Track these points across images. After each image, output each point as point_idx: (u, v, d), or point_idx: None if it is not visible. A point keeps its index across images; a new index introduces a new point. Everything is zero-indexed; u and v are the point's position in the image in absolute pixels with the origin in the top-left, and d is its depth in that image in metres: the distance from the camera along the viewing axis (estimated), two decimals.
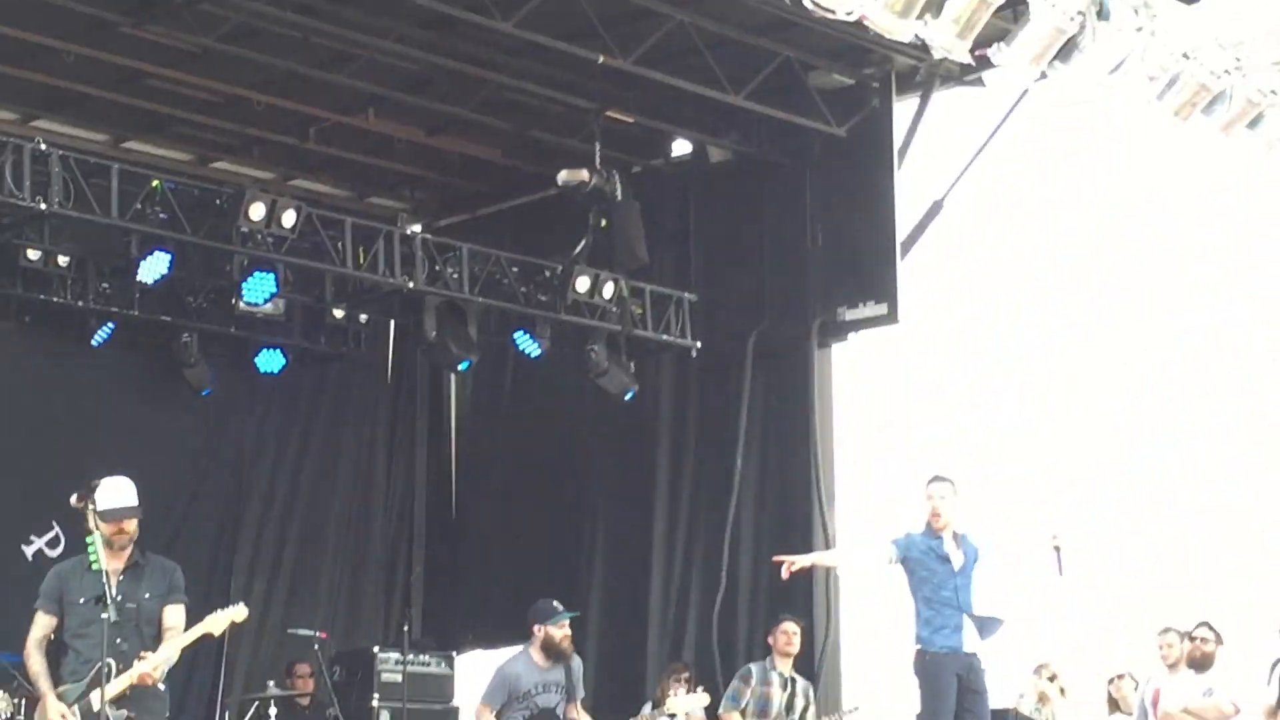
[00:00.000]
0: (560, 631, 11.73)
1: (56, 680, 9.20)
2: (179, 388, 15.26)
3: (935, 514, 11.18)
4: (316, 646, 12.89)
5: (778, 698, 12.59)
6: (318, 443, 16.63)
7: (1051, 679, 13.95)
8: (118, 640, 9.25)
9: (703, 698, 12.83)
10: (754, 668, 12.97)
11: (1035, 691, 14.02)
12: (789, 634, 12.94)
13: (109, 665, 9.21)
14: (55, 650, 9.25)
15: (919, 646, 11.32)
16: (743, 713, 12.72)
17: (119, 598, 9.28)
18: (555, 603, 11.90)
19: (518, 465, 17.04)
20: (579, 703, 11.79)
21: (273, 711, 11.96)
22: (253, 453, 16.29)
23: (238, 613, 9.85)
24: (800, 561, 11.31)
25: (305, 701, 13.69)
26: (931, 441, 14.38)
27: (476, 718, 11.80)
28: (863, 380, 15.45)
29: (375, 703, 12.54)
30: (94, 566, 9.18)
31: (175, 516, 15.54)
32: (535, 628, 11.57)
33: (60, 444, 14.17)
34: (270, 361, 15.71)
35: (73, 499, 9.59)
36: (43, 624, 9.28)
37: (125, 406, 15.21)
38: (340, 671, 12.84)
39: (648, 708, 13.48)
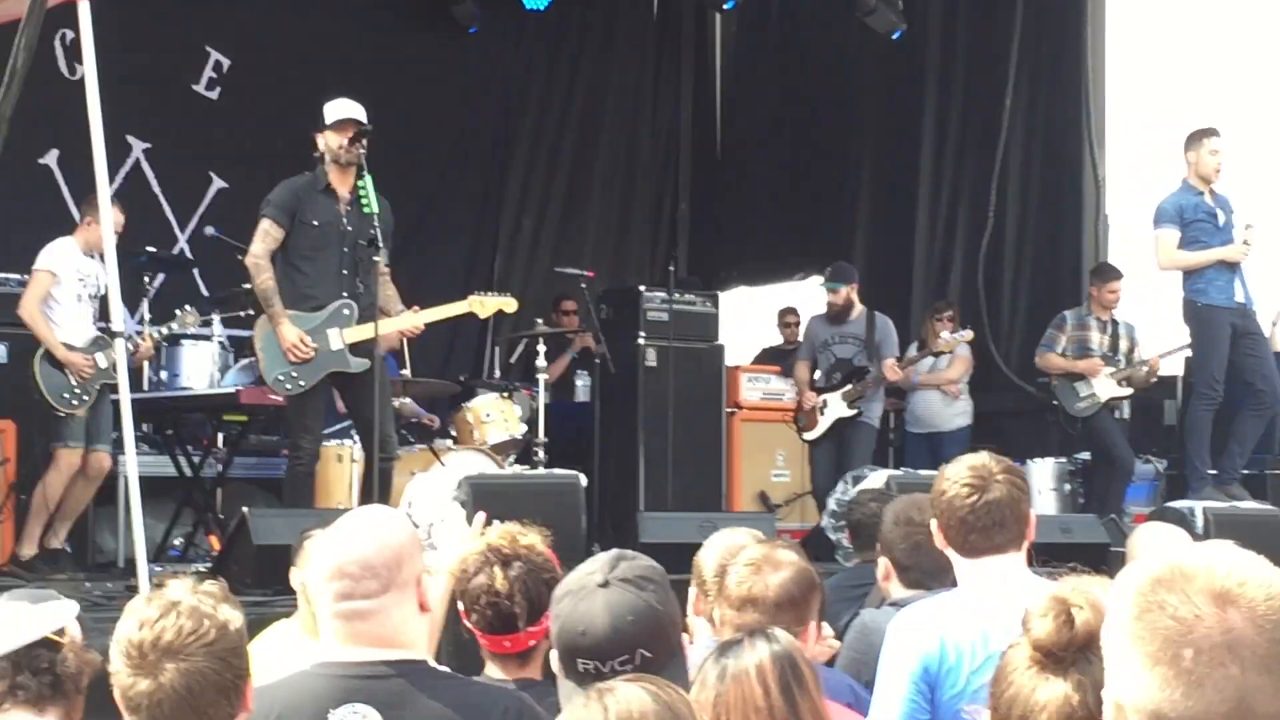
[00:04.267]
0: (830, 296, 12.32)
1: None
2: (447, 24, 15.32)
3: (1217, 171, 11.03)
4: (584, 285, 13.05)
5: (1096, 340, 12.38)
6: (583, 82, 16.64)
7: None
8: (355, 277, 9.35)
9: (967, 334, 12.86)
10: (1068, 314, 12.68)
11: None
12: (1115, 291, 12.55)
13: (352, 308, 9.36)
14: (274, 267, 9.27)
15: (1190, 298, 11.22)
16: (1061, 357, 12.59)
17: (350, 230, 9.35)
18: (833, 266, 12.78)
19: (783, 105, 16.92)
20: (894, 360, 12.21)
21: (541, 348, 12.17)
22: (520, 90, 16.36)
23: (507, 303, 9.98)
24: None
25: (572, 338, 13.94)
26: (1204, 89, 13.90)
27: (795, 373, 12.81)
28: (1139, 20, 14.97)
29: (641, 340, 12.68)
30: (365, 209, 9.24)
31: (443, 154, 15.74)
32: None
33: (328, 82, 14.28)
34: None
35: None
36: (275, 236, 9.20)
37: (393, 43, 15.28)
38: (606, 310, 12.99)
39: (914, 348, 13.52)
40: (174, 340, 11.26)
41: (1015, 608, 3.04)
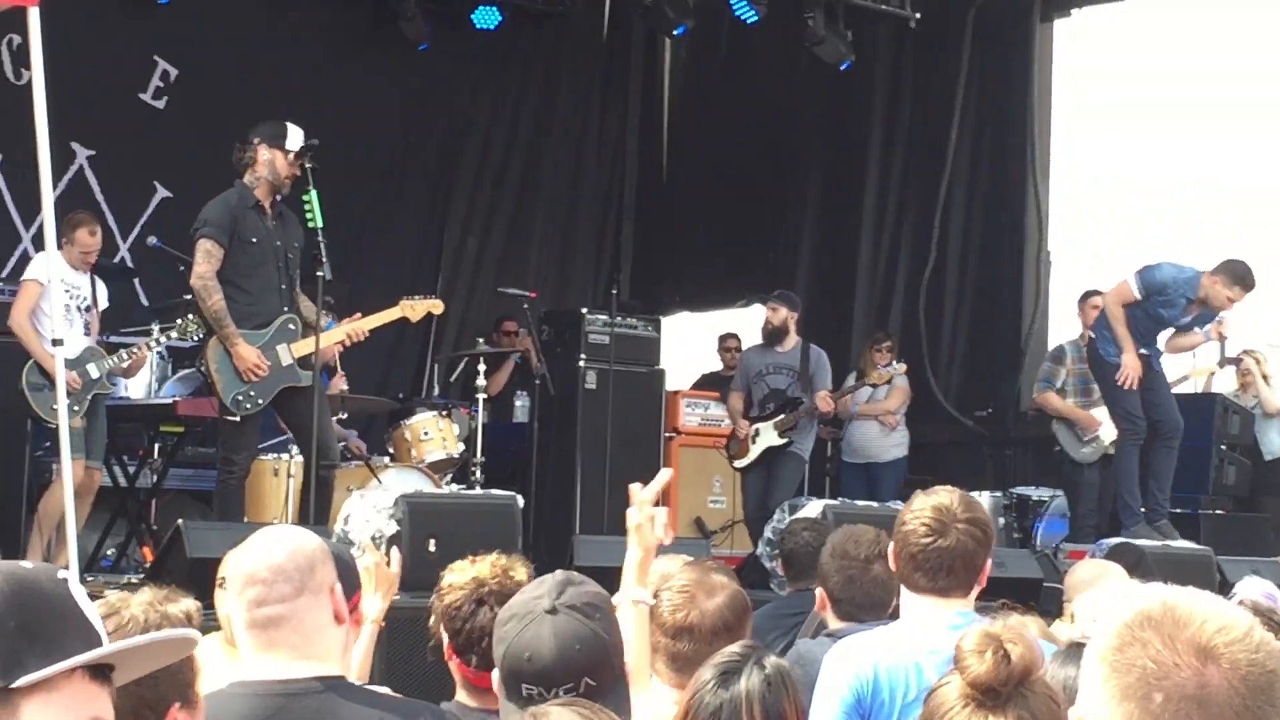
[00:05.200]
0: (768, 314, 12.37)
1: None
2: (395, 41, 15.28)
3: (1220, 310, 11.15)
4: (526, 306, 13.05)
5: None
6: (531, 103, 16.62)
7: (1256, 362, 13.69)
8: (292, 290, 9.37)
9: (900, 366, 12.94)
10: (1066, 346, 12.68)
11: (1237, 376, 13.80)
12: (1098, 306, 12.51)
13: (295, 321, 9.38)
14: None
15: (1096, 345, 11.42)
16: (1061, 393, 12.52)
17: (279, 244, 9.35)
18: (781, 291, 12.90)
19: (729, 132, 16.94)
20: (827, 392, 12.19)
21: (481, 368, 12.16)
22: (467, 110, 16.32)
23: (435, 305, 10.16)
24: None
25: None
26: (1152, 123, 14.04)
27: (729, 403, 12.80)
28: (1084, 57, 15.09)
29: (582, 363, 12.70)
30: (310, 224, 9.25)
31: (389, 170, 15.72)
32: None
33: (275, 95, 14.25)
34: (486, 18, 15.66)
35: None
36: (218, 256, 9.12)
37: (341, 59, 15.22)
38: (548, 331, 12.99)
39: (852, 378, 13.57)
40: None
41: (952, 645, 3.03)
